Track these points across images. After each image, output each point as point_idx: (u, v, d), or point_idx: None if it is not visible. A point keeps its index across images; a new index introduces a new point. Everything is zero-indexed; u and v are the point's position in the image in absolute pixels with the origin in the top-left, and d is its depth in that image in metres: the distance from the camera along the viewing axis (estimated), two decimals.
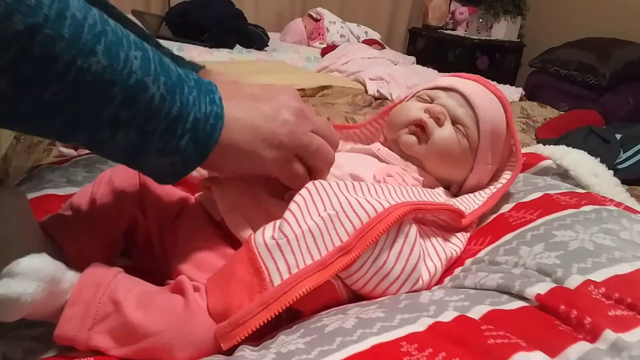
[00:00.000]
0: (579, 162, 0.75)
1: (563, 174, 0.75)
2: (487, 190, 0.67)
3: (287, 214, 0.49)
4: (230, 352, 0.44)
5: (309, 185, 0.51)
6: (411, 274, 0.50)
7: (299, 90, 1.71)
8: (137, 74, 0.39)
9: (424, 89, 0.70)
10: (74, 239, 0.49)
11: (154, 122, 0.41)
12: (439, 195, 0.62)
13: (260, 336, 0.45)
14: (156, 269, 0.55)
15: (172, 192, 0.58)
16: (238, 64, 2.10)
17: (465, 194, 0.68)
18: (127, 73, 0.39)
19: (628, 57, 2.55)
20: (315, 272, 0.45)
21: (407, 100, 0.72)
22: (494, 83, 0.80)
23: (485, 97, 0.67)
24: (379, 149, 0.67)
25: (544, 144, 0.92)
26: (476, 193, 0.67)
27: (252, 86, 0.50)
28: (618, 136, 1.37)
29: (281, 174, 0.50)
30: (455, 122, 0.65)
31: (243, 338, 0.43)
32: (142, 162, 0.44)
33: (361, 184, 0.54)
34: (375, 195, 0.53)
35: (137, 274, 0.48)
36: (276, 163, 0.48)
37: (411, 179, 0.62)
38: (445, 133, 0.64)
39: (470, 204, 0.64)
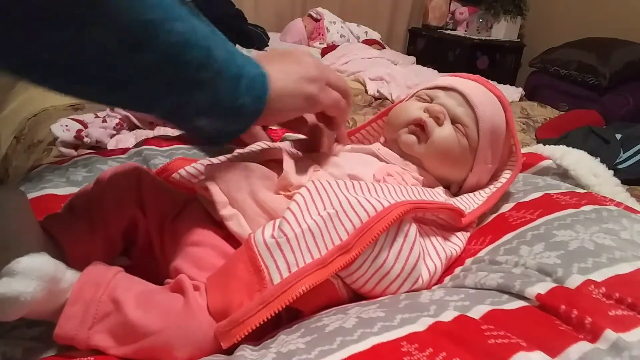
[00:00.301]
0: (579, 162, 0.75)
1: (563, 174, 0.75)
2: (487, 190, 0.67)
3: (287, 213, 0.49)
4: (230, 351, 0.44)
5: (309, 184, 0.52)
6: (411, 273, 0.50)
7: None
8: (205, 39, 0.46)
9: (423, 89, 0.71)
10: (73, 238, 0.49)
11: (221, 79, 0.48)
12: (438, 195, 0.62)
13: (260, 335, 0.45)
14: (156, 268, 0.55)
15: (172, 191, 0.58)
16: None
17: (465, 193, 0.68)
18: (198, 37, 0.45)
19: (628, 57, 2.55)
20: (315, 270, 0.46)
21: (406, 100, 0.72)
22: (494, 83, 0.80)
23: (484, 97, 0.67)
24: (378, 149, 0.67)
25: (544, 144, 0.92)
26: (476, 192, 0.67)
27: (270, 52, 0.59)
28: (618, 136, 1.37)
29: (326, 102, 0.58)
30: (454, 121, 0.65)
31: (243, 337, 0.43)
32: (207, 124, 0.52)
33: (360, 183, 0.54)
34: (375, 194, 0.54)
35: (137, 273, 0.48)
36: (320, 92, 0.56)
37: (411, 178, 0.62)
38: (444, 132, 0.64)
39: (470, 203, 0.64)
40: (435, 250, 0.55)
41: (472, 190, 0.68)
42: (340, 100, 0.60)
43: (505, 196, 0.66)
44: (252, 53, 2.49)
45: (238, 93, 0.50)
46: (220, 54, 0.48)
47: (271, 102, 0.52)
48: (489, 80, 0.73)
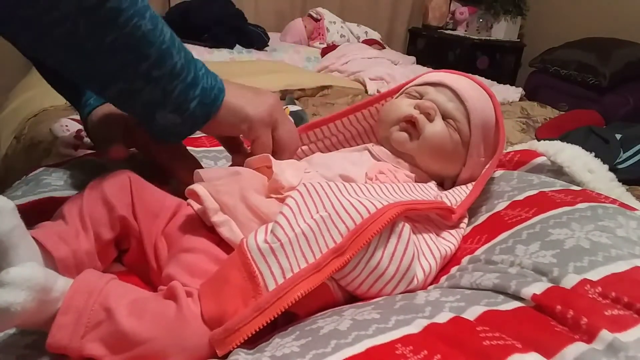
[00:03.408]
0: (573, 158, 0.75)
1: (557, 171, 0.75)
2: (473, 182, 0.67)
3: (279, 218, 0.49)
4: (224, 355, 0.43)
5: (301, 187, 0.52)
6: (406, 274, 0.50)
7: (299, 90, 1.71)
8: (167, 43, 0.53)
9: (413, 86, 0.71)
10: (65, 247, 0.49)
11: (174, 83, 0.54)
12: (430, 189, 0.62)
13: (255, 339, 0.45)
14: (149, 275, 0.55)
15: (163, 198, 0.58)
16: (238, 64, 2.11)
17: None
18: (162, 40, 0.52)
19: (628, 57, 2.54)
20: (309, 275, 0.45)
21: (395, 98, 0.72)
22: (494, 83, 0.81)
23: (473, 91, 0.68)
24: (373, 146, 0.67)
25: None
26: (462, 186, 0.67)
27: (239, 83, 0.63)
28: (618, 136, 1.37)
29: (254, 135, 0.62)
30: (445, 116, 0.66)
31: (239, 344, 0.43)
32: (158, 117, 0.56)
33: (352, 185, 0.54)
34: (368, 194, 0.54)
35: (130, 280, 0.48)
36: (257, 123, 0.60)
37: (403, 176, 0.63)
38: (436, 128, 0.65)
39: (458, 196, 0.64)
40: (430, 250, 0.55)
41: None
42: (266, 147, 0.62)
43: (500, 194, 0.66)
44: (252, 53, 2.49)
45: (189, 98, 0.56)
46: (179, 61, 0.54)
47: (218, 114, 0.58)
48: (485, 79, 0.74)
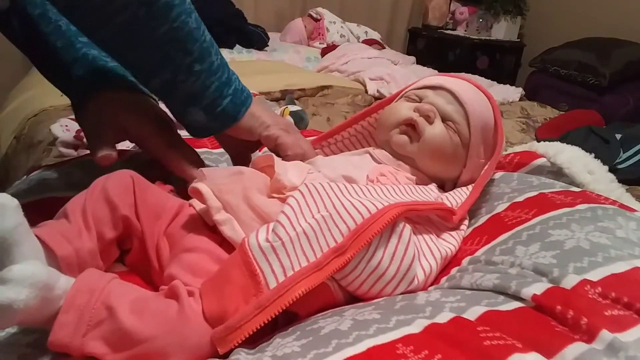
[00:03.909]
0: (573, 159, 0.75)
1: (557, 172, 0.75)
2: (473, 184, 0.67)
3: (281, 217, 0.49)
4: (225, 355, 0.43)
5: (302, 187, 0.52)
6: (406, 274, 0.50)
7: (299, 90, 1.71)
8: (207, 43, 0.60)
9: (412, 89, 0.71)
10: (67, 245, 0.49)
11: (211, 79, 0.61)
12: (431, 191, 0.62)
13: (256, 339, 0.45)
14: (151, 275, 0.55)
15: (166, 199, 0.58)
16: (238, 64, 2.10)
17: None
18: (203, 39, 0.60)
19: (628, 57, 2.54)
20: (310, 273, 0.46)
21: (395, 101, 0.73)
22: (494, 83, 0.81)
23: (472, 93, 0.68)
24: (374, 149, 0.68)
25: None
26: (462, 187, 0.67)
27: None
28: (618, 136, 1.37)
29: (277, 134, 0.66)
30: (445, 119, 0.66)
31: (240, 342, 0.43)
32: (193, 111, 0.62)
33: (353, 185, 0.55)
34: (370, 195, 0.54)
35: (131, 280, 0.48)
36: (275, 127, 0.66)
37: (404, 178, 0.63)
38: (436, 130, 0.65)
39: (458, 197, 0.64)
40: (430, 250, 0.55)
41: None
42: (287, 147, 0.66)
43: (500, 195, 0.66)
44: (252, 53, 2.49)
45: (223, 95, 0.62)
46: (216, 60, 0.61)
47: (245, 115, 0.64)
48: (485, 79, 0.74)
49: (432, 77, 0.72)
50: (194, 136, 0.67)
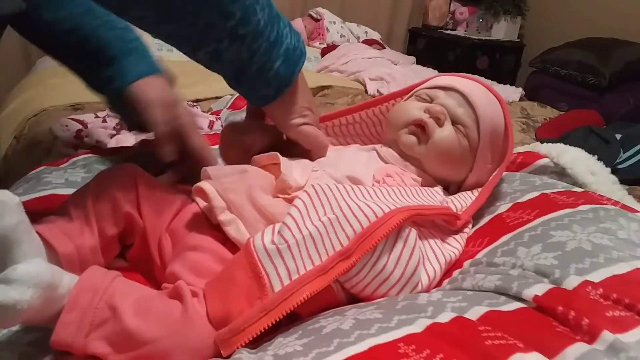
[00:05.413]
0: (576, 160, 0.75)
1: (560, 172, 0.75)
2: (479, 188, 0.67)
3: (287, 219, 0.49)
4: (228, 355, 0.43)
5: (309, 188, 0.51)
6: (411, 278, 0.50)
7: None
8: (251, 1, 0.53)
9: (423, 88, 0.70)
10: (69, 242, 0.49)
11: (258, 41, 0.55)
12: (437, 194, 0.61)
13: (258, 338, 0.45)
14: (153, 271, 0.55)
15: (168, 194, 0.58)
16: None
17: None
18: None
19: (628, 57, 2.54)
20: (315, 277, 0.45)
21: (405, 100, 0.72)
22: (494, 83, 0.81)
23: (484, 97, 0.66)
24: (381, 147, 0.67)
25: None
26: (468, 191, 0.67)
27: None
28: (618, 136, 1.37)
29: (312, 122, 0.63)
30: (455, 122, 0.65)
31: (244, 345, 0.43)
32: (246, 79, 0.58)
33: (360, 188, 0.54)
34: (376, 198, 0.53)
35: (133, 277, 0.48)
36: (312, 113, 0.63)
37: (410, 179, 0.62)
38: (445, 133, 0.64)
39: (464, 201, 0.64)
40: (435, 255, 0.55)
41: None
42: (310, 133, 0.64)
43: (502, 196, 0.66)
44: None
45: (273, 57, 0.56)
46: (262, 18, 0.54)
47: (299, 79, 0.59)
48: (486, 79, 0.73)
49: (444, 76, 0.70)
50: (256, 105, 0.63)
